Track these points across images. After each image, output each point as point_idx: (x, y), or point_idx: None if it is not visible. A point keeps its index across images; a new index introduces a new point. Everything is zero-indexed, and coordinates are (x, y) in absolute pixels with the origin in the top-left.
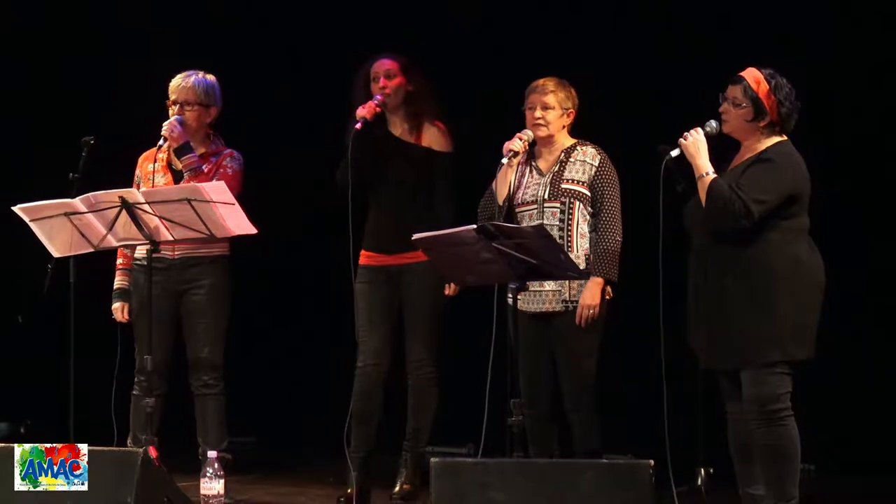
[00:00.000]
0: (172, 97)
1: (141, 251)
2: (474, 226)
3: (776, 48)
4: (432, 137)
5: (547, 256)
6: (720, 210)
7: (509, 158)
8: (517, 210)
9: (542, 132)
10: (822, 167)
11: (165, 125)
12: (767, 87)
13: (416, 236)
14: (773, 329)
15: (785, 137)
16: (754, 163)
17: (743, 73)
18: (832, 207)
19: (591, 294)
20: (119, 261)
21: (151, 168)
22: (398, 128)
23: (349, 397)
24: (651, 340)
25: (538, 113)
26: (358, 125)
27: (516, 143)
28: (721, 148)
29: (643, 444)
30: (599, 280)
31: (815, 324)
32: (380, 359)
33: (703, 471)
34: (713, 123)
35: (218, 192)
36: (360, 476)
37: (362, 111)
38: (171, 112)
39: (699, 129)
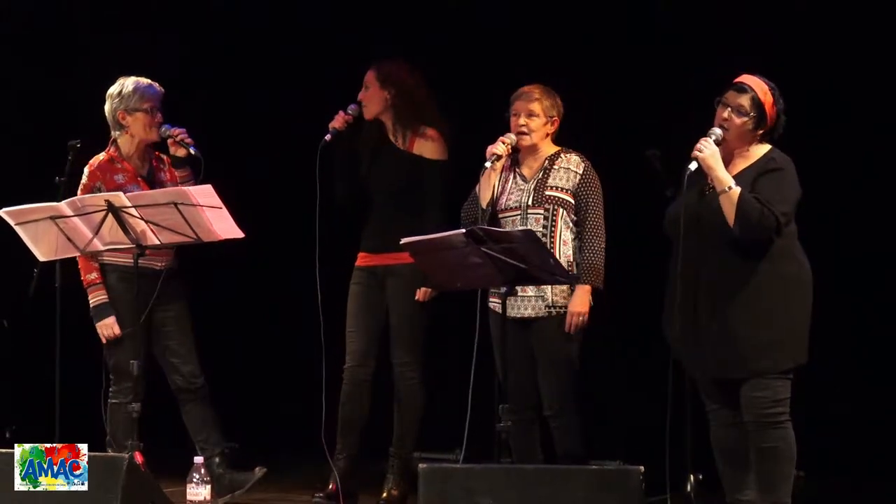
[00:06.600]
0: (149, 105)
1: (120, 259)
2: (462, 230)
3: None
4: (423, 145)
5: (535, 260)
6: (754, 224)
7: (492, 162)
8: (500, 216)
9: (525, 140)
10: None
11: (183, 135)
12: (772, 98)
13: (404, 240)
14: (784, 335)
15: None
16: (764, 173)
17: (748, 82)
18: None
19: (580, 301)
20: (91, 275)
21: (121, 179)
22: (392, 135)
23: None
24: (639, 346)
25: (522, 120)
26: (327, 136)
27: (499, 147)
28: None
29: (633, 450)
30: (587, 287)
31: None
32: (365, 360)
33: (692, 477)
34: (717, 132)
35: (205, 195)
36: (344, 477)
37: (333, 123)
38: (134, 119)
39: (708, 140)
